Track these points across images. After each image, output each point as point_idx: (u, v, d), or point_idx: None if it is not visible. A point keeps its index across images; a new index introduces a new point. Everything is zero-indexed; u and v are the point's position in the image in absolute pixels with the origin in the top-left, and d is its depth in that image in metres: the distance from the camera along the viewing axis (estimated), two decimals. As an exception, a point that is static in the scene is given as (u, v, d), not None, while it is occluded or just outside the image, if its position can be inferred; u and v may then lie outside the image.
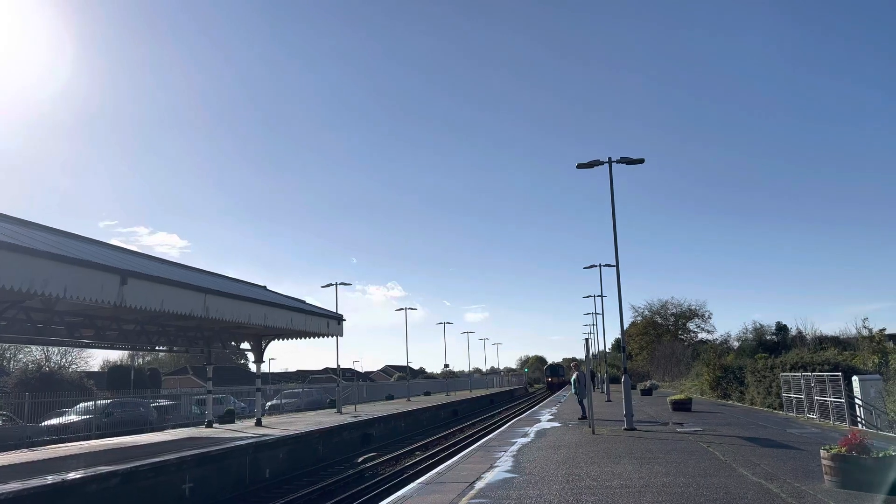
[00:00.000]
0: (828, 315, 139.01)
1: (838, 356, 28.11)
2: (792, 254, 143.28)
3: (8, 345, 56.62)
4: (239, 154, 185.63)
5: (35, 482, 12.79)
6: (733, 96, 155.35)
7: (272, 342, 28.86)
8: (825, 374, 21.96)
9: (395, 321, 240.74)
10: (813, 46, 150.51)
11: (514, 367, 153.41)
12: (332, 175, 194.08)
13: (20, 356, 61.89)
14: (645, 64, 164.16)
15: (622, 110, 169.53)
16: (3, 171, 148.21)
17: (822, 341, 47.30)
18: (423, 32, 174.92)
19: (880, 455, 9.57)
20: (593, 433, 18.92)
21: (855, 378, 21.10)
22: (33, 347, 54.95)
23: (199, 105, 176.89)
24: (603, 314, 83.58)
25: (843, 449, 9.83)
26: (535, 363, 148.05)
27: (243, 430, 24.88)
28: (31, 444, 22.54)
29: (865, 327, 33.40)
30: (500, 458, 14.78)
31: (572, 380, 25.94)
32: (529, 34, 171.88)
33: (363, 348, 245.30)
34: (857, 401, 20.46)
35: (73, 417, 26.77)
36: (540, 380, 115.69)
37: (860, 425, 19.66)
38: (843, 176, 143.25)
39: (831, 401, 20.94)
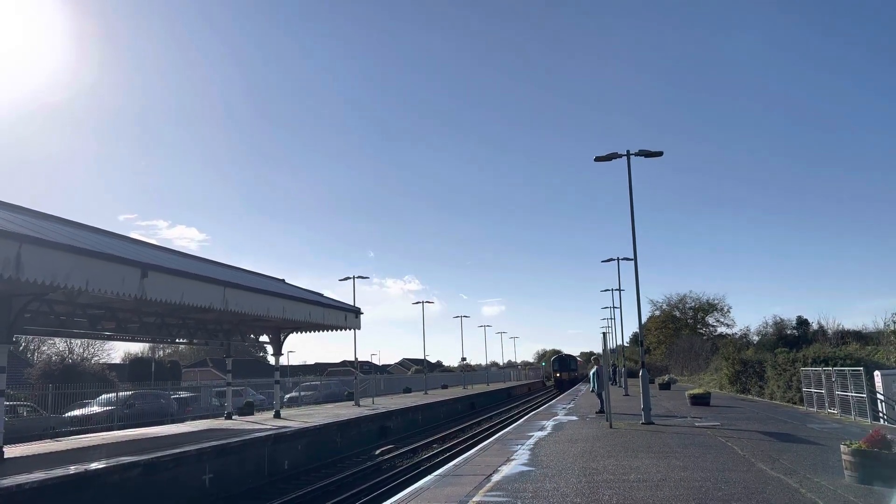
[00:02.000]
0: (849, 310, 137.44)
1: (860, 351, 27.77)
2: (813, 247, 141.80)
3: (32, 337, 57.53)
4: (257, 150, 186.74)
5: (59, 472, 12.99)
6: (749, 93, 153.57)
7: (290, 335, 29.04)
8: (847, 368, 21.69)
9: (413, 314, 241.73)
10: (831, 46, 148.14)
11: (531, 360, 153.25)
12: (349, 171, 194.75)
13: (44, 348, 62.89)
14: (660, 64, 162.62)
15: (638, 108, 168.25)
16: (25, 166, 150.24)
17: (844, 336, 46.76)
18: (439, 34, 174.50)
19: (902, 451, 9.45)
20: (611, 427, 18.85)
21: (877, 373, 20.82)
22: (56, 340, 55.92)
23: (218, 102, 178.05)
24: (621, 308, 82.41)
25: (865, 444, 9.72)
26: (552, 357, 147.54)
27: (262, 422, 25.07)
28: (54, 435, 22.91)
29: (893, 321, 32.83)
30: (516, 451, 14.78)
31: (591, 374, 25.87)
32: (543, 34, 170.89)
33: (381, 341, 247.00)
34: (879, 396, 20.20)
35: (96, 408, 27.17)
36: None
37: (882, 421, 19.42)
38: (864, 170, 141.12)
39: (853, 396, 20.69)
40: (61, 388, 26.91)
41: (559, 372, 75.27)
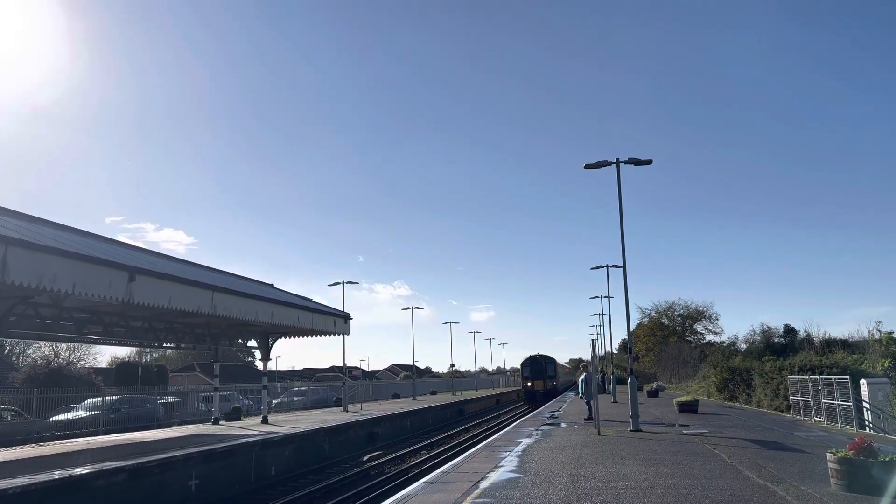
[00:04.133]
0: (836, 318, 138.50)
1: (846, 359, 27.96)
2: (801, 256, 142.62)
3: (17, 340, 56.92)
4: (246, 152, 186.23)
5: (43, 477, 12.87)
6: (740, 98, 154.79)
7: (279, 340, 28.92)
8: (833, 376, 21.84)
9: (402, 320, 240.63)
10: (820, 49, 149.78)
11: (519, 367, 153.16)
12: (339, 174, 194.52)
13: (29, 352, 62.28)
14: (652, 66, 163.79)
15: (629, 112, 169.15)
16: (11, 167, 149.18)
17: (831, 344, 47.00)
18: (431, 34, 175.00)
19: (887, 459, 9.51)
20: (599, 434, 18.88)
21: (863, 381, 20.97)
22: (42, 343, 55.26)
23: (206, 103, 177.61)
24: (610, 315, 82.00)
25: (851, 452, 9.78)
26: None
27: (249, 428, 24.95)
28: (39, 440, 22.67)
29: (878, 329, 33.16)
30: (505, 457, 14.78)
31: (580, 380, 25.89)
32: (534, 35, 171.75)
33: (369, 347, 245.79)
34: (864, 404, 20.33)
35: (81, 413, 26.90)
36: None
37: (868, 429, 19.55)
38: (853, 178, 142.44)
39: (839, 404, 20.82)
40: (46, 392, 26.63)
41: (531, 380, 55.64)
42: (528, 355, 58.30)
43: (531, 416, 31.45)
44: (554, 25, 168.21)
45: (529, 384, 55.81)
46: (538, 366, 56.84)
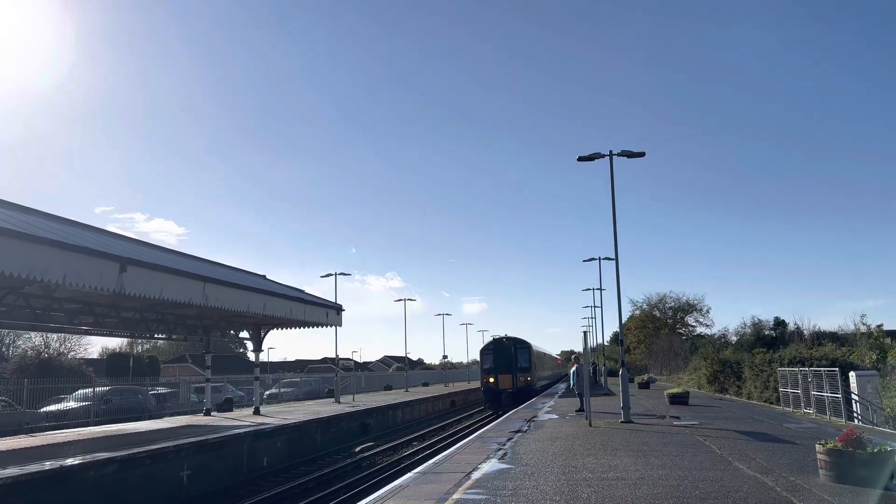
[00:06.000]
0: (826, 311, 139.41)
1: (836, 352, 28.16)
2: (791, 249, 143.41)
3: (7, 331, 56.72)
4: (237, 141, 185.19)
5: (33, 468, 12.84)
6: (733, 88, 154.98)
7: (271, 331, 28.89)
8: (822, 369, 22.00)
9: (394, 311, 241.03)
10: (815, 38, 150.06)
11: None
12: (331, 165, 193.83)
13: (19, 342, 62.13)
14: (647, 53, 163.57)
15: (624, 100, 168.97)
16: (2, 157, 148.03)
17: (820, 337, 47.41)
18: (424, 19, 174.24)
19: (875, 450, 9.60)
20: (590, 425, 18.96)
21: (852, 374, 21.15)
22: (32, 334, 55.16)
23: (198, 92, 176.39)
24: (602, 307, 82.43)
25: (840, 444, 9.87)
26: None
27: (241, 419, 24.94)
28: (29, 430, 22.61)
29: (864, 323, 33.57)
30: (496, 449, 14.82)
31: (571, 372, 25.97)
32: (531, 21, 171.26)
33: (362, 338, 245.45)
34: (853, 396, 20.51)
35: (72, 404, 26.83)
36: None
37: (857, 421, 19.72)
38: (843, 170, 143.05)
39: (828, 396, 20.99)
40: (37, 382, 26.54)
41: (493, 374, 39.26)
42: (491, 338, 42.12)
43: (522, 407, 31.54)
44: (554, 19, 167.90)
45: (491, 380, 39.16)
46: (504, 353, 40.01)
